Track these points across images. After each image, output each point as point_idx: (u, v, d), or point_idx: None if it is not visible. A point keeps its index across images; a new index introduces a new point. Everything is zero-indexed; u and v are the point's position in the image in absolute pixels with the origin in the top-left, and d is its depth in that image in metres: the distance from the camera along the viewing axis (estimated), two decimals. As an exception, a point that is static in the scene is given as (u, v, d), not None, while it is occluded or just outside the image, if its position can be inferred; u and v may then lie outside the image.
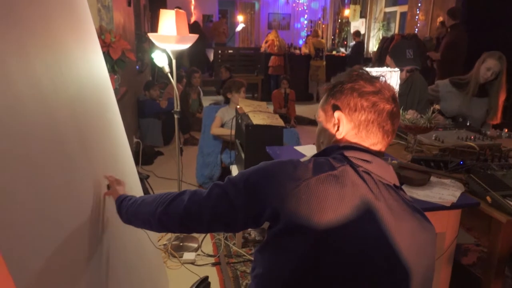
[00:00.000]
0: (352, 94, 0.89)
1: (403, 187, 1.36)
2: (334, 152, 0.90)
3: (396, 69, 2.24)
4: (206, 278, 1.28)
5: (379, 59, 6.69)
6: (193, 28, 9.00)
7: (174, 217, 0.96)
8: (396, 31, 8.08)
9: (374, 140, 0.90)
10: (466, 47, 4.32)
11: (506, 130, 2.31)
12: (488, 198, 1.45)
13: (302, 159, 0.90)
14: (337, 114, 0.92)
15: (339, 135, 0.92)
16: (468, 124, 2.51)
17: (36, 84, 0.88)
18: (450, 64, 4.32)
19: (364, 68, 0.95)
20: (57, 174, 0.92)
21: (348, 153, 0.87)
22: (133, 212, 1.09)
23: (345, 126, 0.91)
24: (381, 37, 8.26)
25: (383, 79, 0.93)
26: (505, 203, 1.40)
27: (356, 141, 0.90)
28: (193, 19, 10.08)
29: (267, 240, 0.87)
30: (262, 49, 7.68)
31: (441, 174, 1.67)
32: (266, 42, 7.65)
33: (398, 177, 0.93)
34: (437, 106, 1.92)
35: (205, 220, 0.92)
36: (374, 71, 0.96)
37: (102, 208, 1.24)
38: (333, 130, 0.93)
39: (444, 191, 1.49)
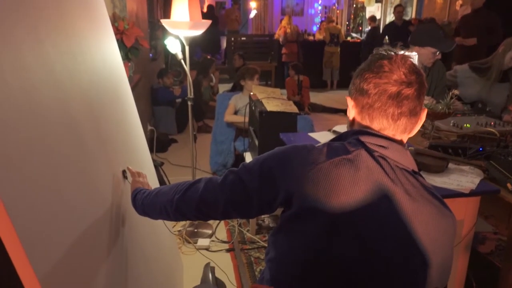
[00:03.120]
0: (359, 77, 0.87)
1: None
2: (350, 137, 0.89)
3: (414, 53, 2.18)
4: (208, 264, 1.30)
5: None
6: (208, 12, 8.98)
7: (190, 204, 0.98)
8: (413, 16, 7.87)
9: (380, 125, 0.85)
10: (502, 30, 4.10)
11: (528, 116, 2.24)
12: (508, 185, 1.41)
13: (317, 145, 0.89)
14: (347, 98, 0.92)
15: (350, 119, 0.92)
16: (487, 109, 2.44)
17: (50, 71, 0.88)
18: (480, 49, 4.12)
19: (387, 49, 0.88)
20: (74, 163, 0.93)
21: (363, 138, 0.86)
22: (149, 203, 1.10)
23: (351, 110, 0.91)
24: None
25: (406, 57, 0.86)
26: (526, 191, 1.37)
27: (366, 125, 0.88)
28: (205, 6, 10.00)
29: (280, 224, 0.87)
30: (277, 36, 7.59)
31: (459, 160, 1.63)
32: (280, 29, 7.57)
33: None
34: (456, 91, 1.86)
35: (220, 206, 0.93)
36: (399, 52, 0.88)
37: (120, 196, 1.25)
38: (348, 115, 0.93)
39: (463, 178, 1.46)
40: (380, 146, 0.84)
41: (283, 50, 7.33)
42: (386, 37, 6.49)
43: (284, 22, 7.43)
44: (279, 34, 7.50)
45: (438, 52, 2.31)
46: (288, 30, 7.22)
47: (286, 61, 7.32)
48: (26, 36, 0.80)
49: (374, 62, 0.86)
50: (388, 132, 0.86)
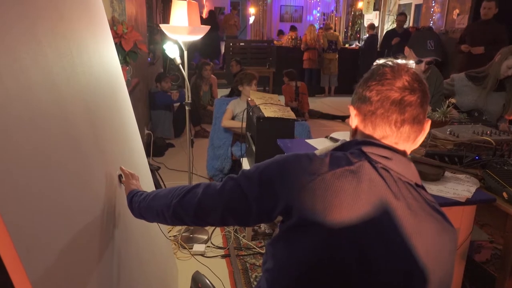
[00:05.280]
0: (362, 86, 0.86)
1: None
2: (352, 147, 0.87)
3: (412, 61, 2.20)
4: (197, 272, 1.29)
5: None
6: (210, 18, 9.06)
7: (188, 209, 0.96)
8: (411, 24, 7.93)
9: (383, 133, 0.84)
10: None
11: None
12: (504, 194, 1.42)
13: (316, 152, 0.88)
14: (350, 107, 0.90)
15: (353, 128, 0.91)
16: (484, 118, 2.45)
17: (48, 73, 0.88)
18: (484, 60, 4.16)
19: (391, 59, 0.88)
20: (69, 166, 0.92)
21: (366, 149, 0.83)
22: (146, 206, 1.09)
23: (354, 119, 0.89)
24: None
25: (408, 66, 0.86)
26: (522, 200, 1.37)
27: (368, 134, 0.86)
28: (205, 11, 10.04)
29: (279, 234, 0.85)
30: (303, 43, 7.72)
31: (455, 169, 1.64)
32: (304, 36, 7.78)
33: None
34: (452, 100, 1.87)
35: (219, 213, 0.91)
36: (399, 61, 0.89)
37: (114, 200, 1.24)
38: (351, 124, 0.92)
39: (459, 187, 1.46)
40: (384, 157, 0.82)
41: (304, 56, 7.53)
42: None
43: (307, 31, 7.61)
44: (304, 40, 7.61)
45: (422, 63, 2.34)
46: (308, 37, 7.38)
47: (307, 68, 7.49)
48: (24, 37, 0.80)
49: (377, 70, 0.85)
50: (391, 140, 0.84)
